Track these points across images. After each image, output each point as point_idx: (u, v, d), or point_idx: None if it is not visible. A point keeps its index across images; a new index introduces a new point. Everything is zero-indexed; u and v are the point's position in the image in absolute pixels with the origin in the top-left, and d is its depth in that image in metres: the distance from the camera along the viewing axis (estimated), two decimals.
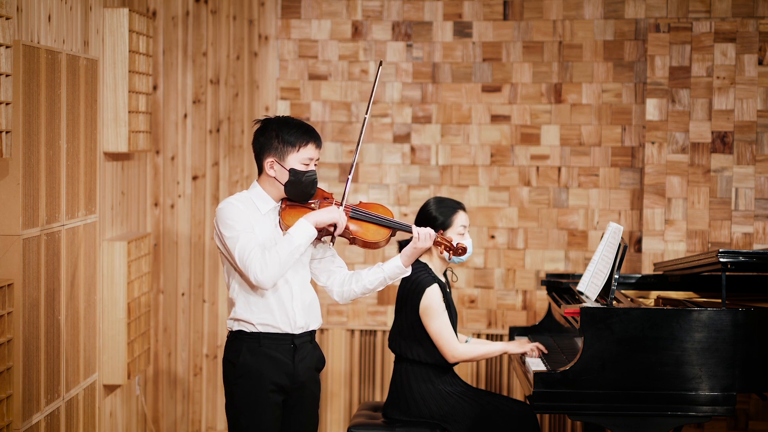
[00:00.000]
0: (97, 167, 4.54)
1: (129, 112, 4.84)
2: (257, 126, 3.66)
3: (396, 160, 5.84)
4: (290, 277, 3.61)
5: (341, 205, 3.64)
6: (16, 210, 3.77)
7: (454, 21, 5.79)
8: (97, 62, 4.53)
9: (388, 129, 5.85)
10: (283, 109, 5.85)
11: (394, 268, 3.69)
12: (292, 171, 3.59)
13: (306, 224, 3.52)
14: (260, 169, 3.65)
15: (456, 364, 4.36)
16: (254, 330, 3.58)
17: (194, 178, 5.78)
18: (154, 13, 5.62)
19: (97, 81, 4.54)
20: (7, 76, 3.62)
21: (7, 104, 3.62)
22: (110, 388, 4.95)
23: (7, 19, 3.62)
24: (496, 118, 5.78)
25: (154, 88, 5.67)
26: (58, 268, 4.13)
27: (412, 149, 5.84)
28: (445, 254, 3.76)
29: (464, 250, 3.71)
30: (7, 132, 3.61)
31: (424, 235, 3.64)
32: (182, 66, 5.72)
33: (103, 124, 4.80)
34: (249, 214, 3.58)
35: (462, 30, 5.79)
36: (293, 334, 3.60)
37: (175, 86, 5.71)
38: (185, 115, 5.74)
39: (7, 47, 3.62)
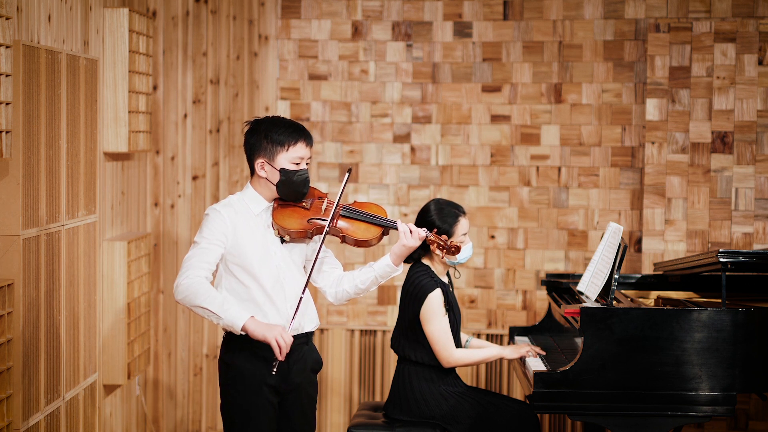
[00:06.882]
0: (97, 167, 4.54)
1: (129, 112, 4.84)
2: (247, 127, 3.66)
3: (396, 160, 5.84)
4: (283, 279, 3.60)
5: (334, 204, 3.63)
6: (16, 210, 3.77)
7: (454, 21, 5.79)
8: (97, 62, 4.53)
9: (388, 129, 5.85)
10: (283, 109, 5.85)
11: (385, 266, 3.67)
12: (282, 171, 3.58)
13: (240, 321, 3.41)
14: (252, 171, 3.66)
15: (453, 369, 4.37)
16: None
17: (194, 178, 5.78)
18: (154, 13, 5.62)
19: (97, 81, 4.54)
20: (7, 76, 3.62)
21: (7, 104, 3.62)
22: (110, 388, 4.95)
23: (7, 19, 3.62)
24: (496, 118, 5.77)
25: (154, 88, 5.67)
26: (58, 268, 4.13)
27: (412, 149, 5.84)
28: (438, 252, 3.74)
29: (457, 249, 3.70)
30: (7, 132, 3.61)
31: (414, 233, 3.62)
32: (182, 66, 5.72)
33: (103, 124, 4.79)
34: (233, 221, 3.56)
35: (462, 30, 5.79)
36: None
37: (175, 86, 5.71)
38: (185, 115, 5.74)
39: (7, 47, 3.62)
